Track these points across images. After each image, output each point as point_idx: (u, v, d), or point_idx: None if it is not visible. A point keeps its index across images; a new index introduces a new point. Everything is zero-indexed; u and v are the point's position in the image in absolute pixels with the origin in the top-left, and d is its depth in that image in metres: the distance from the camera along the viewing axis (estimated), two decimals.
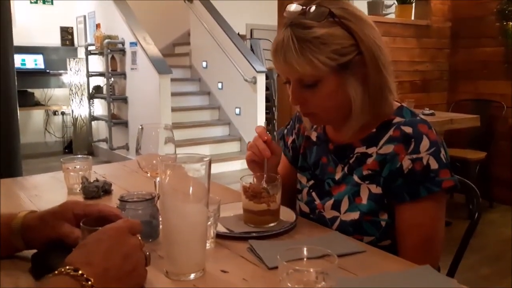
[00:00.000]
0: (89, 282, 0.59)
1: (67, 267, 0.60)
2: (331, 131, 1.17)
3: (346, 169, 1.09)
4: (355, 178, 1.06)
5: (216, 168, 5.04)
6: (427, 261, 0.85)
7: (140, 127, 1.08)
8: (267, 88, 6.08)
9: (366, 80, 1.00)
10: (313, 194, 1.16)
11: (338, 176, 1.11)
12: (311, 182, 1.18)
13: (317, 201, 1.14)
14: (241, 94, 6.03)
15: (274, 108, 6.08)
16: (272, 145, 1.10)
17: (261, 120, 5.76)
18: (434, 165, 0.97)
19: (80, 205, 0.86)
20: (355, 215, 1.04)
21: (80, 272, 0.59)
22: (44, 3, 6.72)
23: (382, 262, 0.89)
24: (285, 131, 1.33)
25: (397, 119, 1.05)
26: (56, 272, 0.59)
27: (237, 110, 6.14)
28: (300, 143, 1.26)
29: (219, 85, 6.41)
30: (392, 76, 1.03)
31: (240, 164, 5.49)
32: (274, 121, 6.02)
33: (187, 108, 6.25)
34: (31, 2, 6.59)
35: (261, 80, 5.84)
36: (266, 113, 6.07)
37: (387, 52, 1.02)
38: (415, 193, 0.98)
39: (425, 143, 0.98)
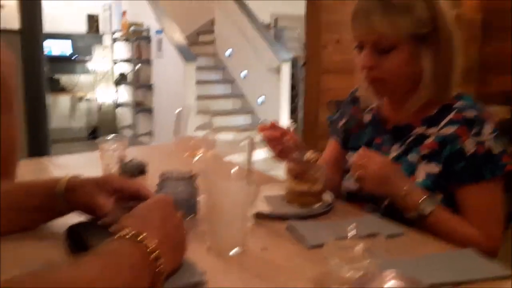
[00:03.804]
0: (150, 248, 0.60)
1: (127, 231, 0.60)
2: (388, 112, 1.19)
3: (402, 148, 1.11)
4: (411, 157, 1.08)
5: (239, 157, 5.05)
6: (487, 243, 0.86)
7: (178, 109, 1.10)
8: (292, 77, 6.06)
9: (438, 56, 1.03)
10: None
11: (392, 155, 1.12)
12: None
13: None
14: (264, 83, 6.02)
15: (297, 97, 6.06)
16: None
17: (285, 109, 5.75)
18: (496, 149, 1.00)
19: (120, 181, 0.88)
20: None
21: (141, 237, 0.60)
22: None
23: (421, 244, 0.89)
24: (336, 115, 1.35)
25: (458, 104, 1.07)
26: (115, 237, 0.60)
27: (260, 99, 6.13)
28: (352, 124, 1.28)
29: (243, 73, 6.40)
30: (460, 59, 1.06)
31: (262, 153, 5.49)
32: (297, 111, 6.00)
33: (210, 96, 6.27)
34: None
35: (286, 69, 5.82)
36: (290, 102, 6.05)
37: (460, 36, 1.06)
38: (478, 175, 1.00)
39: (488, 127, 1.01)
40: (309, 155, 1.08)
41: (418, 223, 0.98)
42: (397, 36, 1.01)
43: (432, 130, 1.07)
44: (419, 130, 1.09)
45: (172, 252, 0.66)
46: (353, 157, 1.01)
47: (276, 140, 1.10)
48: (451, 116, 1.05)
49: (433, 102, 1.08)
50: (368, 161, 1.00)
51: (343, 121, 1.31)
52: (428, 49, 1.03)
